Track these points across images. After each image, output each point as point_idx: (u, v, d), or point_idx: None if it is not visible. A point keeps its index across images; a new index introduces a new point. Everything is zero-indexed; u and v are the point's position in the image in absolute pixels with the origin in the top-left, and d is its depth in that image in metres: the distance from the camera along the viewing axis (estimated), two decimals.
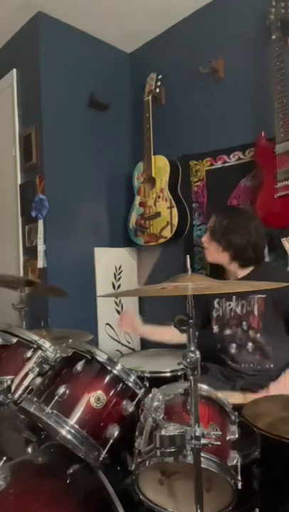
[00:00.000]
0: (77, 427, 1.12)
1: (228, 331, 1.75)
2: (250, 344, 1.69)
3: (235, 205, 2.17)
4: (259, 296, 1.66)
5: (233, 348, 1.73)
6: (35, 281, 1.82)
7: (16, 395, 1.31)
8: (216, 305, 1.80)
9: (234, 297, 1.74)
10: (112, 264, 2.63)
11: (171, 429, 0.93)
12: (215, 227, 1.74)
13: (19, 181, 2.54)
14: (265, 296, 1.65)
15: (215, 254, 1.76)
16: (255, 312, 1.67)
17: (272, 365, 1.65)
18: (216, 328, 1.80)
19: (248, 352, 1.69)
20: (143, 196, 2.49)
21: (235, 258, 1.72)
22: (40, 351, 1.38)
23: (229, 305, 1.75)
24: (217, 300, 1.80)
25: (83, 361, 1.20)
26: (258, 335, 1.67)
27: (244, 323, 1.69)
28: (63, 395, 1.14)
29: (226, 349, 1.76)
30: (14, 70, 2.55)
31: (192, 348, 0.98)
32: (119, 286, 2.65)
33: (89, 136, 2.57)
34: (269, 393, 1.48)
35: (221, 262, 1.77)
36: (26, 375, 1.34)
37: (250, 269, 1.75)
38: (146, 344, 2.68)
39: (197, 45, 2.40)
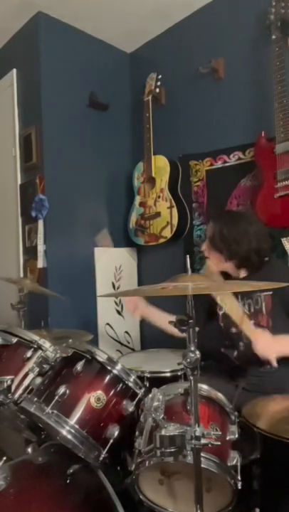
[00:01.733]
0: (77, 426, 1.12)
1: (234, 329, 1.74)
2: None
3: (235, 205, 2.17)
4: (266, 293, 1.65)
5: (240, 346, 1.72)
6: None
7: (16, 395, 1.32)
8: (219, 302, 1.79)
9: (239, 296, 1.73)
10: (112, 264, 2.63)
11: (171, 429, 0.94)
12: (214, 237, 1.69)
13: (19, 181, 2.54)
14: (271, 293, 1.64)
15: (218, 264, 1.73)
16: (264, 310, 1.65)
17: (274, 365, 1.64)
18: (222, 325, 1.79)
19: (253, 351, 1.68)
20: (143, 196, 2.49)
21: (241, 266, 1.71)
22: (40, 351, 1.38)
23: None
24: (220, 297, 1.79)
25: (83, 361, 1.20)
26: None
27: (252, 321, 1.68)
28: (63, 395, 1.14)
29: (231, 347, 1.75)
30: (14, 70, 2.55)
31: (192, 348, 0.98)
32: (119, 287, 2.65)
33: (89, 136, 2.57)
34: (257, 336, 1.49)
35: (226, 270, 1.76)
36: (26, 375, 1.35)
37: None
38: (146, 344, 2.68)
39: (197, 45, 2.40)
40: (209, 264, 1.79)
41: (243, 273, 1.74)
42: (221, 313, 1.79)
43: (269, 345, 1.48)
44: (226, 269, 1.74)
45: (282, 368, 1.63)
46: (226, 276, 1.80)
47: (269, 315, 1.64)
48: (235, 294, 1.73)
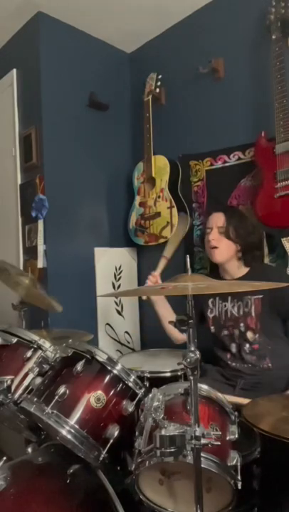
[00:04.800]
0: (77, 427, 1.12)
1: (225, 332, 1.75)
2: (247, 345, 1.69)
3: (235, 205, 2.17)
4: (256, 297, 1.66)
5: (232, 348, 1.74)
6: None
7: (16, 395, 1.31)
8: (210, 305, 1.80)
9: (229, 298, 1.74)
10: (112, 264, 2.63)
11: (171, 429, 0.93)
12: (229, 228, 1.72)
13: (19, 181, 2.54)
14: (261, 296, 1.65)
15: (229, 253, 1.74)
16: (253, 313, 1.66)
17: (270, 365, 1.65)
18: (212, 329, 1.80)
19: (246, 352, 1.69)
20: (143, 196, 2.49)
21: (245, 257, 1.73)
22: (40, 351, 1.38)
23: (225, 306, 1.75)
24: (211, 300, 1.80)
25: (83, 361, 1.20)
26: (257, 335, 1.67)
27: (242, 324, 1.69)
28: (63, 394, 1.14)
29: (224, 349, 1.76)
30: (14, 70, 2.55)
31: (192, 348, 0.98)
32: (119, 286, 2.65)
33: (89, 136, 2.57)
34: None
35: (228, 264, 1.76)
36: (26, 375, 1.35)
37: (247, 269, 1.75)
38: (146, 344, 2.68)
39: (197, 45, 2.40)
40: (216, 254, 1.76)
41: (240, 271, 1.74)
42: (211, 316, 1.80)
43: None
44: (233, 259, 1.74)
45: (277, 367, 1.65)
46: (217, 276, 1.81)
47: (258, 318, 1.66)
48: (227, 295, 1.74)
